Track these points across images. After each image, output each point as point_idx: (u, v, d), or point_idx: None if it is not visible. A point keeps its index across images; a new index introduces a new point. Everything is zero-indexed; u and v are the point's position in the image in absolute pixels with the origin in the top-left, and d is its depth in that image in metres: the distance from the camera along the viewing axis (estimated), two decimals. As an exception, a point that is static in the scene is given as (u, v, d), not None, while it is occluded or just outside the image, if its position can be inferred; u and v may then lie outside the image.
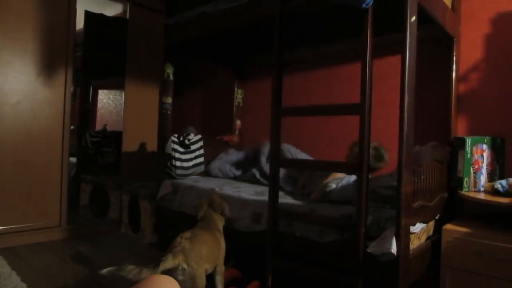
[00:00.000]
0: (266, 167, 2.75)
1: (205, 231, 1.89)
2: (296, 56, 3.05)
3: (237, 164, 3.08)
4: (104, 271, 1.54)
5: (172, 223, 2.77)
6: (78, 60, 3.54)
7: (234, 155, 3.15)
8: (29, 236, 2.88)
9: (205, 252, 1.75)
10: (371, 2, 1.59)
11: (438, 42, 2.26)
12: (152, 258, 2.58)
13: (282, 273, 1.91)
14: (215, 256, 1.86)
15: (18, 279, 2.02)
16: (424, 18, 1.75)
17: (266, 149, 2.86)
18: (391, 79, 2.47)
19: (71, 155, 3.22)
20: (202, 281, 1.70)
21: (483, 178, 2.05)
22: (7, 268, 2.13)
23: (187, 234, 1.79)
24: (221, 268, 1.91)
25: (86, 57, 4.03)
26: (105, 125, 4.44)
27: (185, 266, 1.63)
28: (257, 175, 2.78)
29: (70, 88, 3.10)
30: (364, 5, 1.58)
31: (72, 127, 3.22)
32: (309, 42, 2.91)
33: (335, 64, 2.89)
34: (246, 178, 2.88)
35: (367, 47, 1.63)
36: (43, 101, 2.96)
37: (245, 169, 2.98)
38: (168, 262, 1.60)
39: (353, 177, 2.13)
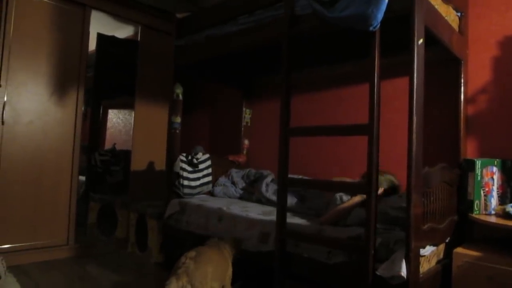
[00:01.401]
0: (266, 194, 2.80)
1: (212, 249, 1.88)
2: (303, 77, 3.08)
3: (240, 184, 3.12)
4: None
5: (179, 242, 2.76)
6: (89, 80, 3.61)
7: (235, 176, 3.16)
8: (37, 254, 2.88)
9: (210, 271, 1.73)
10: (378, 25, 1.61)
11: (445, 64, 2.27)
12: (158, 278, 2.58)
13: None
14: (222, 275, 1.84)
15: (27, 297, 2.02)
16: (432, 40, 1.77)
17: (268, 179, 2.90)
18: (397, 101, 2.48)
19: (80, 173, 3.25)
20: None
21: (494, 201, 2.02)
22: (16, 285, 2.13)
23: (192, 253, 1.78)
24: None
25: (97, 78, 4.10)
26: (114, 144, 4.49)
27: (189, 287, 1.62)
28: (263, 200, 2.78)
29: (81, 108, 3.16)
30: (371, 28, 1.61)
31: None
32: (316, 64, 2.95)
33: (340, 85, 2.91)
34: (251, 199, 2.88)
35: (374, 69, 1.65)
36: (54, 120, 3.01)
37: (248, 191, 3.00)
38: (173, 285, 1.59)
39: None
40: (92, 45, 3.76)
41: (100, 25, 3.80)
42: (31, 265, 2.76)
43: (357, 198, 2.09)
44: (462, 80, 2.21)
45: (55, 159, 3.01)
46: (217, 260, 1.85)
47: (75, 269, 2.80)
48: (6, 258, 2.60)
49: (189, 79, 3.15)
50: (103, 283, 2.49)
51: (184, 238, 2.66)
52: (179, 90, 2.94)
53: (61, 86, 3.04)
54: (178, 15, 2.92)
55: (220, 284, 1.83)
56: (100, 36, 3.99)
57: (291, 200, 2.44)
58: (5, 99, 2.74)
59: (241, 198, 2.99)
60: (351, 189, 2.00)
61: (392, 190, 2.13)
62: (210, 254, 1.84)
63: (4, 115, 2.73)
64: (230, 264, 1.94)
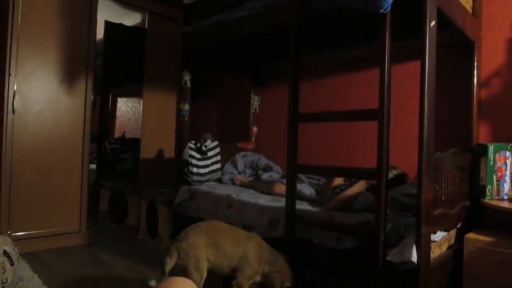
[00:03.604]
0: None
1: (211, 225, 1.85)
2: (312, 62, 3.04)
3: (247, 172, 3.13)
4: None
5: (189, 230, 2.79)
6: (98, 69, 3.62)
7: (239, 161, 3.15)
8: (50, 242, 2.93)
9: (203, 244, 1.74)
10: (389, 7, 1.57)
11: (458, 47, 2.22)
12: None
13: (299, 280, 1.89)
14: (221, 251, 1.77)
15: (40, 282, 2.06)
16: (444, 23, 1.72)
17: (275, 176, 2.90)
18: (409, 86, 2.43)
19: (90, 162, 3.28)
20: (195, 262, 1.70)
21: (506, 186, 1.99)
22: (29, 271, 2.17)
23: (192, 226, 1.82)
24: (241, 280, 1.78)
25: (105, 66, 4.11)
26: (124, 132, 4.51)
27: (180, 261, 1.69)
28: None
29: (90, 97, 3.17)
30: (382, 10, 1.57)
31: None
32: (325, 48, 2.90)
33: (351, 70, 2.87)
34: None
35: (385, 52, 1.62)
36: (64, 109, 3.03)
37: (256, 175, 3.02)
38: (169, 264, 1.67)
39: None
40: (100, 33, 3.76)
41: (108, 12, 3.79)
42: (45, 252, 2.82)
43: (361, 184, 2.08)
44: (475, 63, 2.15)
45: (66, 148, 3.04)
46: (215, 236, 1.78)
47: (87, 255, 2.85)
48: (21, 245, 2.66)
49: (197, 66, 3.13)
50: (115, 269, 2.53)
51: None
52: (187, 77, 2.93)
53: (70, 74, 3.05)
54: (185, 1, 2.88)
55: (220, 260, 1.76)
56: (107, 24, 3.98)
57: (309, 192, 2.43)
58: (15, 88, 2.75)
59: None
60: (360, 175, 1.98)
61: (400, 179, 2.11)
62: (206, 228, 1.80)
63: (14, 104, 2.75)
64: (250, 254, 1.81)
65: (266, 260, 1.82)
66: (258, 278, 1.83)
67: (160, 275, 1.67)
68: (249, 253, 1.80)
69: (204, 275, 1.73)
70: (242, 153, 3.25)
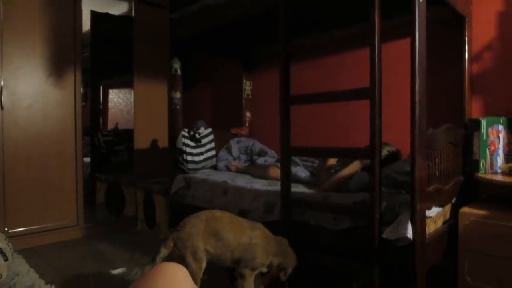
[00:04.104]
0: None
1: (209, 214, 1.77)
2: (303, 43, 3.01)
3: (242, 158, 3.14)
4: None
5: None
6: (86, 60, 3.56)
7: (233, 147, 3.15)
8: (48, 236, 2.93)
9: (200, 233, 1.68)
10: (377, -17, 1.55)
11: (449, 23, 2.20)
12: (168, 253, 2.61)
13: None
14: (222, 242, 1.70)
15: (36, 276, 2.05)
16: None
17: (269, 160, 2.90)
18: (402, 63, 2.41)
19: (84, 155, 3.26)
20: (193, 252, 1.66)
21: (500, 160, 2.00)
22: (25, 266, 2.16)
23: (190, 216, 1.78)
24: (243, 269, 1.72)
25: (94, 57, 4.05)
26: (117, 123, 4.48)
27: (177, 250, 1.68)
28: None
29: (80, 89, 3.12)
30: (369, -13, 1.55)
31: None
32: (315, 29, 2.87)
33: (342, 50, 2.84)
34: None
35: (375, 30, 1.59)
36: (54, 102, 2.99)
37: (251, 160, 3.03)
38: (162, 253, 1.67)
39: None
40: (87, 24, 3.69)
41: (94, 2, 3.72)
42: (44, 247, 2.82)
43: (356, 164, 2.08)
44: (466, 38, 2.13)
45: (58, 142, 3.01)
46: (215, 226, 1.71)
47: (86, 248, 2.85)
48: (19, 241, 2.66)
49: (187, 53, 3.09)
50: (115, 260, 2.54)
51: (191, 212, 2.67)
52: (177, 65, 2.89)
53: (57, 67, 3.00)
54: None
55: (223, 252, 1.70)
56: (93, 14, 3.91)
57: (304, 174, 2.43)
58: (2, 83, 2.71)
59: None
60: (354, 155, 1.98)
61: (394, 157, 2.11)
62: (206, 218, 1.74)
63: (2, 100, 2.71)
64: (257, 249, 1.73)
65: (273, 251, 1.75)
66: (264, 269, 1.78)
67: (150, 261, 1.67)
68: (254, 244, 1.72)
69: (203, 265, 1.69)
70: (236, 139, 3.24)
